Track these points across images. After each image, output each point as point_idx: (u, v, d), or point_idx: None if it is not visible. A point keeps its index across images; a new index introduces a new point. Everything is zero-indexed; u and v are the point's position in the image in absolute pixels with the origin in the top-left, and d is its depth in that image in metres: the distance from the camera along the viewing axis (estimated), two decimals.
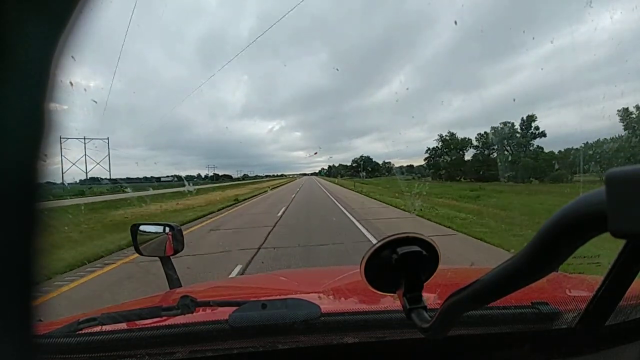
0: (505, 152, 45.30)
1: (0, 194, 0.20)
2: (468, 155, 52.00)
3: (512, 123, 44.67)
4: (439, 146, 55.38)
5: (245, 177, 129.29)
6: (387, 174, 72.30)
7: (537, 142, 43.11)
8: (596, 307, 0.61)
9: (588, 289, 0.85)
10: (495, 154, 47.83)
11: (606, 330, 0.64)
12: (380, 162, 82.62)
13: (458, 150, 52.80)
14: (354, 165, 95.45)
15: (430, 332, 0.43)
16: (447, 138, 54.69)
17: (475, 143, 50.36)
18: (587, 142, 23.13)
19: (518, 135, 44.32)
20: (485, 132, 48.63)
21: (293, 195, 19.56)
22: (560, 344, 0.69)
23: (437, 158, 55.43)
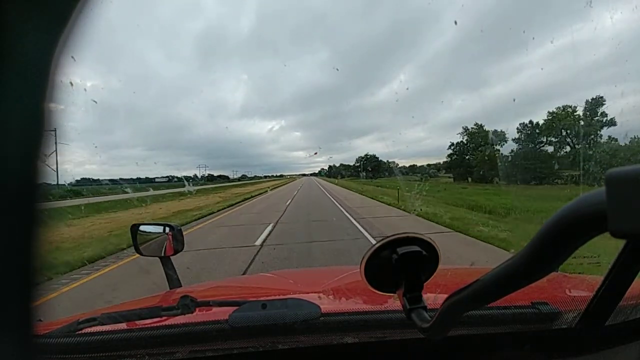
0: (568, 146, 35.03)
1: (0, 194, 0.20)
2: (503, 151, 40.75)
3: (574, 107, 33.62)
4: (464, 141, 45.54)
5: (243, 177, 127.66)
6: (387, 174, 71.01)
7: (605, 131, 31.55)
8: (596, 307, 0.61)
9: (588, 289, 0.85)
10: (550, 148, 36.11)
11: (606, 330, 0.64)
12: (385, 162, 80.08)
13: (490, 146, 41.62)
14: (357, 165, 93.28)
15: (430, 332, 0.43)
16: (475, 131, 44.64)
17: (516, 135, 39.06)
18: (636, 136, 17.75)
19: (582, 123, 33.63)
20: (530, 121, 36.86)
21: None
22: (560, 344, 0.69)
23: (463, 155, 45.35)
